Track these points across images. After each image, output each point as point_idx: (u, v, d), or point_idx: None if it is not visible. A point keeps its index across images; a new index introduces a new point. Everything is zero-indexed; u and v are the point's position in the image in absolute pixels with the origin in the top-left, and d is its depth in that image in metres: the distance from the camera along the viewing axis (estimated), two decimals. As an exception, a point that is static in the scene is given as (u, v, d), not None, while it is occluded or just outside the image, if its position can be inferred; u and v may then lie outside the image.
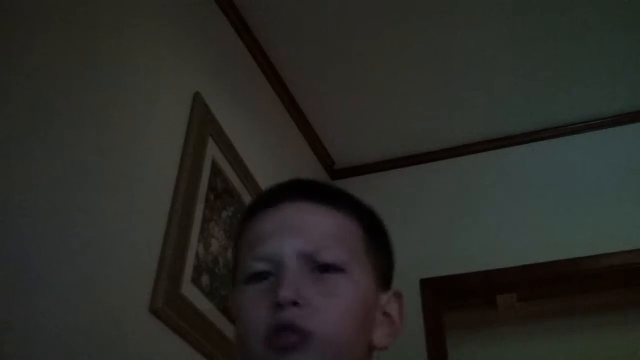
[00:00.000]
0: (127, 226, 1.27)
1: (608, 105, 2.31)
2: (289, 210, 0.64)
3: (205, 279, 1.49)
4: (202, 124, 1.63)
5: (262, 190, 0.73)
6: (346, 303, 0.59)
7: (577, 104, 2.31)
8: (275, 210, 0.65)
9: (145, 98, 1.45)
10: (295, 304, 0.56)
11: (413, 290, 2.12)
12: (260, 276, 0.61)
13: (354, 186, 1.95)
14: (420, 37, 2.08)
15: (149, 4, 1.55)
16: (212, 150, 1.66)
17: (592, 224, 2.14)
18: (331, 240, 0.62)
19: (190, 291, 1.41)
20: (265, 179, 1.95)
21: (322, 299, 0.58)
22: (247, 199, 1.81)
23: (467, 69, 2.19)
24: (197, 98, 1.64)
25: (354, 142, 2.52)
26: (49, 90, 1.14)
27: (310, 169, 2.47)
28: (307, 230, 0.62)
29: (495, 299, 2.76)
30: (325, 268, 0.60)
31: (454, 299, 2.42)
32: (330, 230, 0.63)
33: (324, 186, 0.69)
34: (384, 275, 0.67)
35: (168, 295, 1.31)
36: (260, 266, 0.61)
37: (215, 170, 1.66)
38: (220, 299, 1.54)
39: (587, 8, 1.97)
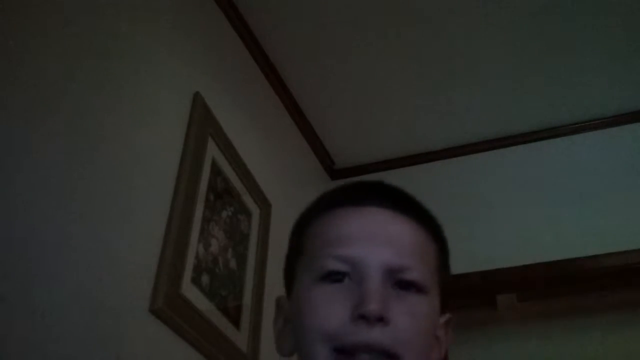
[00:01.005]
0: (127, 226, 1.27)
1: (608, 105, 2.31)
2: (377, 216, 0.62)
3: (205, 279, 1.49)
4: (202, 124, 1.63)
5: (344, 184, 0.69)
6: (425, 326, 0.59)
7: (577, 104, 2.31)
8: (361, 211, 0.62)
9: (145, 98, 1.45)
10: (380, 319, 0.54)
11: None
12: (335, 276, 0.59)
13: (354, 186, 1.95)
14: (421, 38, 2.08)
15: (148, 4, 1.55)
16: (212, 150, 1.66)
17: (592, 224, 2.14)
18: (416, 257, 0.60)
19: (190, 291, 1.41)
20: (265, 179, 1.95)
21: (404, 320, 0.56)
22: (247, 199, 1.81)
23: (467, 69, 2.19)
24: (197, 98, 1.64)
25: (354, 142, 2.52)
26: (49, 90, 1.14)
27: (310, 169, 2.47)
28: (395, 243, 0.60)
29: (495, 299, 2.76)
30: (407, 285, 0.58)
31: (454, 299, 2.42)
32: (416, 246, 0.61)
33: (410, 196, 0.67)
34: (445, 296, 0.66)
35: (168, 295, 1.31)
36: (341, 267, 0.58)
37: (215, 170, 1.66)
38: (220, 299, 1.54)
39: (587, 8, 1.97)
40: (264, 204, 1.91)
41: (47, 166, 1.09)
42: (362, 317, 0.54)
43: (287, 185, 2.14)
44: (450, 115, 2.38)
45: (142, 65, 1.46)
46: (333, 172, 2.62)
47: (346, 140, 2.52)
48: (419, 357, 0.57)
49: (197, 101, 1.64)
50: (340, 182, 2.29)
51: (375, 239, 0.59)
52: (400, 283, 0.58)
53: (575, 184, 2.25)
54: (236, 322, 1.59)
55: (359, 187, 0.67)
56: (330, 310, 0.57)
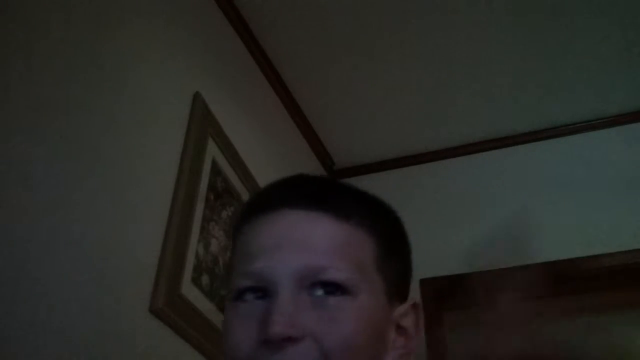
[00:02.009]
0: (127, 226, 1.27)
1: (608, 105, 2.31)
2: (288, 218, 0.56)
3: (205, 279, 1.49)
4: (202, 124, 1.63)
5: (261, 188, 0.64)
6: (350, 330, 0.52)
7: (577, 104, 2.31)
8: (273, 217, 0.57)
9: (145, 98, 1.45)
10: (289, 339, 0.49)
11: (413, 290, 2.12)
12: (254, 293, 0.54)
13: (354, 186, 1.95)
14: (421, 38, 2.08)
15: (148, 4, 1.55)
16: (212, 150, 1.66)
17: (592, 224, 2.14)
18: (336, 257, 0.54)
19: (190, 291, 1.41)
20: (265, 179, 1.94)
21: (322, 328, 0.51)
22: (247, 199, 1.81)
23: (467, 69, 2.19)
24: (197, 98, 1.64)
25: (354, 142, 2.52)
26: (49, 90, 1.14)
27: (310, 169, 2.47)
28: (306, 245, 0.54)
29: (495, 299, 2.76)
30: (327, 289, 0.53)
31: (454, 299, 2.42)
32: (336, 245, 0.55)
33: (332, 188, 0.61)
34: (398, 285, 0.60)
35: (168, 295, 1.31)
36: (249, 283, 0.54)
37: (215, 170, 1.66)
38: (220, 299, 1.54)
39: (587, 8, 1.96)
40: (264, 204, 1.90)
41: (47, 166, 1.09)
42: (267, 342, 0.50)
43: (287, 185, 2.14)
44: (450, 115, 2.38)
45: (142, 65, 1.46)
46: (333, 172, 2.62)
47: (346, 140, 2.52)
48: None
49: (197, 101, 1.64)
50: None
51: (282, 247, 0.54)
52: (321, 285, 0.53)
53: (575, 184, 2.25)
54: (236, 322, 1.59)
55: (275, 188, 0.61)
56: (239, 335, 0.53)
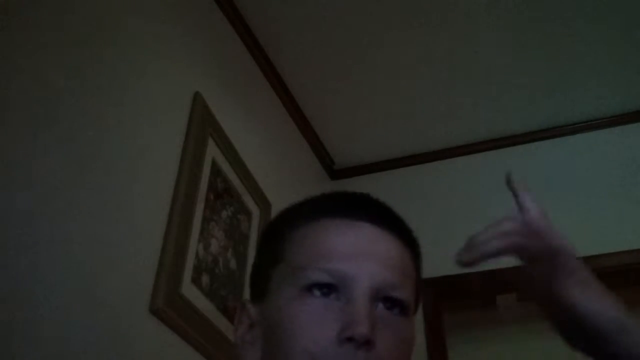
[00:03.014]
0: (127, 226, 1.27)
1: (608, 105, 2.31)
2: (369, 232, 0.60)
3: (205, 279, 1.49)
4: (202, 124, 1.63)
5: (330, 193, 0.66)
6: (409, 350, 0.57)
7: (577, 104, 2.32)
8: (354, 226, 0.60)
9: (145, 98, 1.45)
10: (368, 342, 0.52)
11: (413, 290, 2.12)
12: (320, 289, 0.56)
13: (353, 186, 1.95)
14: (421, 38, 2.08)
15: (149, 5, 1.55)
16: (212, 150, 1.66)
17: (592, 224, 2.13)
18: (404, 278, 0.59)
19: (190, 291, 1.41)
20: (265, 179, 1.95)
21: (390, 344, 0.54)
22: (247, 199, 1.81)
23: (467, 69, 2.19)
24: (197, 98, 1.64)
25: (354, 142, 2.52)
26: (49, 90, 1.14)
27: (310, 169, 2.47)
28: (385, 261, 0.58)
29: (495, 299, 2.76)
30: (390, 305, 0.56)
31: (454, 299, 2.42)
32: (402, 264, 0.60)
33: (394, 212, 0.65)
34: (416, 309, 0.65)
35: (168, 295, 1.31)
36: (329, 280, 0.56)
37: (215, 170, 1.66)
38: (220, 299, 1.54)
39: (587, 9, 1.97)
40: (264, 204, 1.91)
41: (48, 166, 1.09)
42: (349, 340, 0.52)
43: (287, 185, 2.14)
44: (450, 115, 2.38)
45: (142, 65, 1.46)
46: (333, 172, 2.62)
47: (346, 140, 2.52)
48: None
49: (197, 101, 1.64)
50: (340, 182, 2.29)
51: (366, 255, 0.58)
52: (386, 301, 0.56)
53: (575, 184, 2.25)
54: (236, 322, 1.59)
55: (349, 198, 0.64)
56: (316, 331, 0.54)
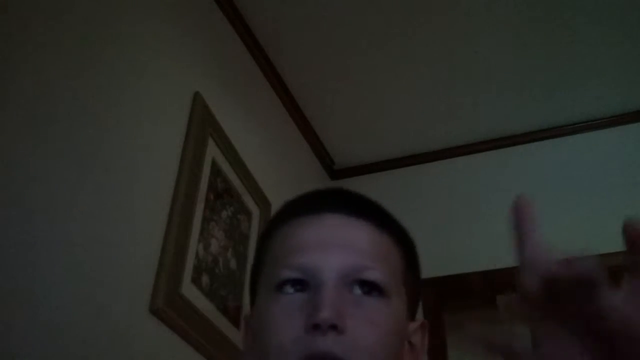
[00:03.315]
0: (127, 226, 1.27)
1: (608, 105, 2.31)
2: (333, 221, 0.60)
3: (205, 279, 1.49)
4: (202, 124, 1.63)
5: (304, 193, 0.68)
6: (385, 332, 0.55)
7: (577, 104, 2.31)
8: (317, 219, 0.61)
9: (145, 98, 1.45)
10: (334, 327, 0.52)
11: (413, 290, 2.12)
12: (293, 286, 0.57)
13: (353, 186, 1.95)
14: (421, 38, 2.08)
15: (148, 4, 1.55)
16: (212, 150, 1.66)
17: (592, 224, 2.13)
18: (377, 260, 0.58)
19: (190, 291, 1.41)
20: (265, 179, 1.95)
21: (362, 327, 0.54)
22: (247, 199, 1.81)
23: (467, 69, 2.19)
24: (197, 98, 1.64)
25: (354, 142, 2.52)
26: (49, 90, 1.14)
27: (310, 169, 2.47)
28: (351, 246, 0.58)
29: (495, 299, 2.76)
30: (367, 289, 0.56)
31: (454, 299, 2.42)
32: (375, 248, 0.59)
33: (370, 202, 0.65)
34: (414, 303, 0.64)
35: (168, 295, 1.31)
36: (295, 275, 0.57)
37: (215, 170, 1.66)
38: (220, 299, 1.54)
39: (587, 8, 1.97)
40: (264, 204, 1.91)
41: (48, 166, 1.09)
42: (315, 327, 0.52)
43: (287, 185, 2.14)
44: (450, 115, 2.38)
45: (142, 65, 1.46)
46: (333, 172, 2.62)
47: (346, 140, 2.52)
48: None
49: (197, 101, 1.64)
50: (340, 182, 2.29)
51: (329, 245, 0.58)
52: (360, 284, 0.56)
53: (575, 184, 2.25)
54: (236, 322, 1.59)
55: (315, 195, 0.66)
56: (284, 324, 0.54)
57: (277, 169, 2.12)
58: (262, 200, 1.90)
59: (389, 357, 0.56)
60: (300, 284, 0.57)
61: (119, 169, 1.29)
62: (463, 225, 2.28)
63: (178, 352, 1.35)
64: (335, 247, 0.58)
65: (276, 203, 1.97)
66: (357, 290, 0.56)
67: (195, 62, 1.72)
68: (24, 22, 1.11)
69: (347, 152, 2.56)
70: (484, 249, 2.20)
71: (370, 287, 0.56)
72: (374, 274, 0.56)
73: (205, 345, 1.41)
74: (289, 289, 0.57)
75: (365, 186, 2.56)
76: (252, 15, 2.01)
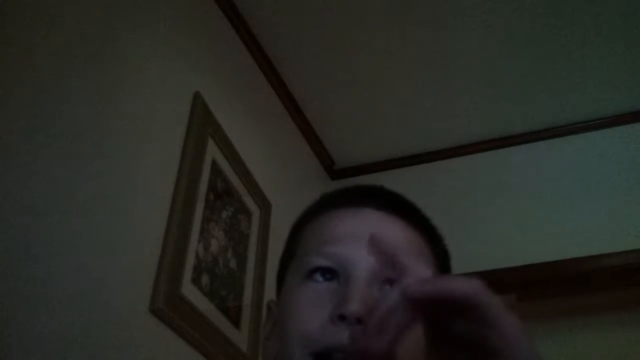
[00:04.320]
0: (127, 226, 1.27)
1: (608, 105, 2.31)
2: (371, 216, 0.60)
3: (205, 279, 1.49)
4: (202, 124, 1.63)
5: (343, 187, 0.68)
6: (417, 334, 0.55)
7: (577, 104, 2.31)
8: (355, 212, 0.61)
9: (145, 98, 1.45)
10: (360, 321, 0.50)
11: (413, 290, 2.12)
12: (322, 275, 0.56)
13: (354, 186, 1.95)
14: (421, 38, 2.08)
15: (148, 4, 1.55)
16: (212, 150, 1.66)
17: (592, 224, 2.13)
18: (411, 258, 0.57)
19: (190, 291, 1.41)
20: (265, 179, 1.95)
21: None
22: (247, 199, 1.81)
23: (467, 69, 2.19)
24: (197, 98, 1.64)
25: (354, 142, 2.52)
26: (49, 90, 1.14)
27: (310, 169, 2.47)
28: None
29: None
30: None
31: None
32: (410, 246, 0.59)
33: (407, 200, 0.65)
34: None
35: (168, 295, 1.31)
36: (327, 263, 0.56)
37: (215, 170, 1.66)
38: (220, 299, 1.54)
39: (587, 9, 1.96)
40: (264, 204, 1.91)
41: (48, 166, 1.09)
42: (341, 319, 0.51)
43: (287, 186, 2.14)
44: (450, 115, 2.38)
45: (142, 65, 1.46)
46: (333, 172, 2.62)
47: (346, 140, 2.52)
48: None
49: (197, 101, 1.64)
50: (340, 182, 2.30)
51: (364, 237, 0.55)
52: (390, 283, 0.55)
53: (575, 184, 2.25)
54: (236, 322, 1.59)
55: (356, 189, 0.66)
56: (311, 311, 0.54)
57: (277, 169, 2.12)
58: (262, 201, 1.90)
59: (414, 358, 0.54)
60: (330, 273, 0.56)
61: (119, 169, 1.29)
62: (463, 225, 2.28)
63: (178, 352, 1.35)
64: None
65: (276, 203, 1.97)
66: (388, 289, 0.55)
67: (195, 62, 1.72)
68: (24, 22, 1.11)
69: (347, 152, 2.56)
70: (483, 249, 2.20)
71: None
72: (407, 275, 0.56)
73: (205, 345, 1.41)
74: (319, 277, 0.57)
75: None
76: (252, 15, 2.01)
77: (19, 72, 1.08)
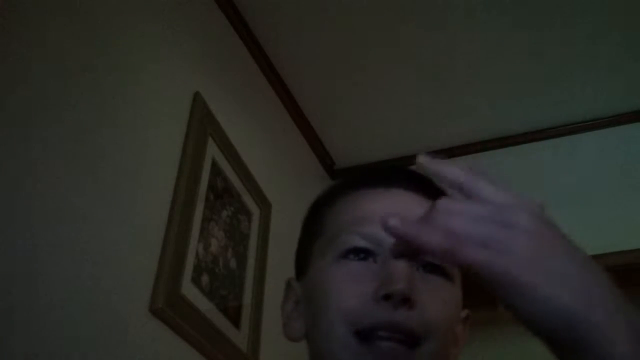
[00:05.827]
0: (127, 226, 1.27)
1: (608, 105, 2.31)
2: (402, 197, 0.60)
3: (205, 279, 1.49)
4: (202, 124, 1.63)
5: (371, 168, 0.69)
6: (451, 315, 0.56)
7: (577, 104, 2.31)
8: (387, 192, 0.61)
9: (145, 98, 1.45)
10: (406, 300, 0.51)
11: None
12: (359, 254, 0.56)
13: (354, 186, 1.95)
14: (420, 38, 2.08)
15: (148, 4, 1.55)
16: (212, 150, 1.66)
17: (592, 224, 2.13)
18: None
19: (190, 291, 1.41)
20: (265, 179, 1.95)
21: (432, 304, 0.53)
22: (247, 199, 1.81)
23: (467, 69, 2.19)
24: (197, 98, 1.64)
25: (354, 142, 2.52)
26: (49, 90, 1.14)
27: (310, 169, 2.47)
28: None
29: (495, 299, 2.76)
30: (434, 270, 0.56)
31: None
32: None
33: (434, 184, 0.64)
34: (464, 292, 0.64)
35: (168, 295, 1.31)
36: (366, 244, 0.56)
37: (215, 170, 1.66)
38: (220, 299, 1.54)
39: (587, 9, 1.97)
40: (264, 204, 1.91)
41: (48, 166, 1.09)
42: (386, 298, 0.51)
43: (287, 185, 2.14)
44: (450, 115, 2.38)
45: (142, 65, 1.46)
46: (333, 172, 2.62)
47: (346, 140, 2.52)
48: (442, 346, 0.54)
49: (197, 101, 1.64)
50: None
51: None
52: (426, 266, 0.56)
53: (575, 184, 2.25)
54: (236, 322, 1.59)
55: (387, 170, 0.66)
56: (352, 289, 0.54)
57: (278, 169, 2.12)
58: (262, 200, 1.90)
59: (448, 339, 0.56)
60: (365, 253, 0.56)
61: (119, 169, 1.29)
62: (463, 225, 2.28)
63: (178, 352, 1.35)
64: None
65: (276, 203, 1.97)
66: (421, 270, 0.56)
67: (195, 62, 1.72)
68: (24, 22, 1.11)
69: (347, 152, 2.56)
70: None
71: (435, 268, 0.56)
72: None
73: (205, 345, 1.41)
74: (354, 257, 0.56)
75: (365, 186, 2.56)
76: (252, 15, 2.01)
77: (18, 72, 1.08)
